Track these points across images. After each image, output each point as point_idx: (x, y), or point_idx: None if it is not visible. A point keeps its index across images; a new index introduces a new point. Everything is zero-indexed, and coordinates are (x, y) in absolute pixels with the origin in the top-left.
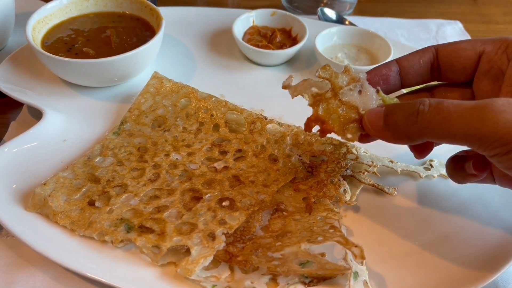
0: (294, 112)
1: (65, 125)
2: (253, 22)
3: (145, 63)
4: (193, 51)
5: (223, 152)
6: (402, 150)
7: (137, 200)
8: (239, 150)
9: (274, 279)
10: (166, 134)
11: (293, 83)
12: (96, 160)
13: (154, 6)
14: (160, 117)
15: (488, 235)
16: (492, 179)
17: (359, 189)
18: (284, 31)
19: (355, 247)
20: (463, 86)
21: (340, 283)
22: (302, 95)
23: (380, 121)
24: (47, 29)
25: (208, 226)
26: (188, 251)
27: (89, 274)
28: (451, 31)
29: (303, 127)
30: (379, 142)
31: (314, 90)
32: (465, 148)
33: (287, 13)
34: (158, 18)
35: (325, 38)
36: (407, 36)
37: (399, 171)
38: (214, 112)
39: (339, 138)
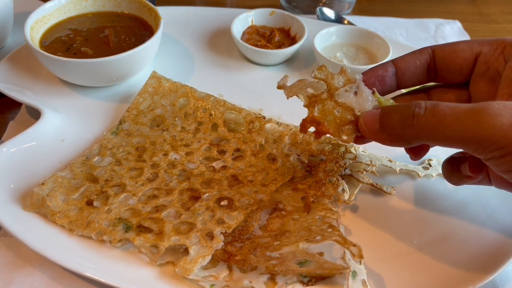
0: (293, 112)
1: (64, 125)
2: (252, 21)
3: (144, 63)
4: (192, 50)
5: (222, 152)
6: (401, 150)
7: (135, 200)
8: (238, 150)
9: (272, 278)
10: (165, 134)
11: (291, 83)
12: (95, 159)
13: (152, 5)
14: (159, 117)
15: (486, 235)
16: (489, 181)
17: (358, 189)
18: (283, 30)
19: (353, 246)
20: (459, 87)
21: (338, 282)
22: (298, 96)
23: (375, 124)
24: (46, 29)
25: (207, 225)
26: (186, 251)
27: (87, 274)
28: (450, 31)
29: None
30: None
31: (310, 91)
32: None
33: (286, 12)
34: (157, 18)
35: (324, 37)
36: (406, 35)
37: (397, 171)
38: (213, 112)
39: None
